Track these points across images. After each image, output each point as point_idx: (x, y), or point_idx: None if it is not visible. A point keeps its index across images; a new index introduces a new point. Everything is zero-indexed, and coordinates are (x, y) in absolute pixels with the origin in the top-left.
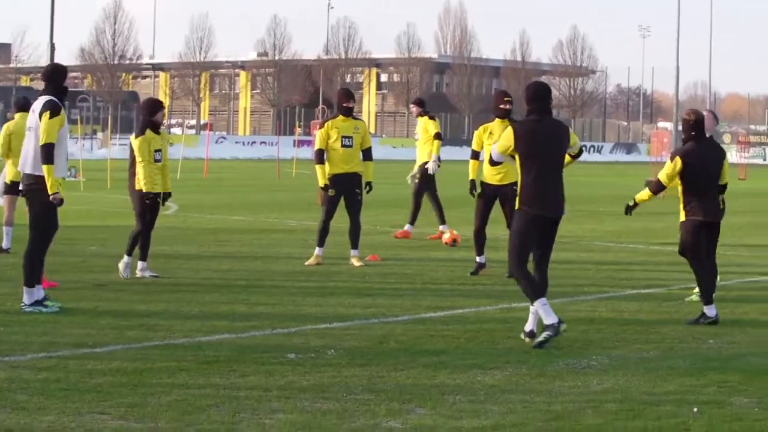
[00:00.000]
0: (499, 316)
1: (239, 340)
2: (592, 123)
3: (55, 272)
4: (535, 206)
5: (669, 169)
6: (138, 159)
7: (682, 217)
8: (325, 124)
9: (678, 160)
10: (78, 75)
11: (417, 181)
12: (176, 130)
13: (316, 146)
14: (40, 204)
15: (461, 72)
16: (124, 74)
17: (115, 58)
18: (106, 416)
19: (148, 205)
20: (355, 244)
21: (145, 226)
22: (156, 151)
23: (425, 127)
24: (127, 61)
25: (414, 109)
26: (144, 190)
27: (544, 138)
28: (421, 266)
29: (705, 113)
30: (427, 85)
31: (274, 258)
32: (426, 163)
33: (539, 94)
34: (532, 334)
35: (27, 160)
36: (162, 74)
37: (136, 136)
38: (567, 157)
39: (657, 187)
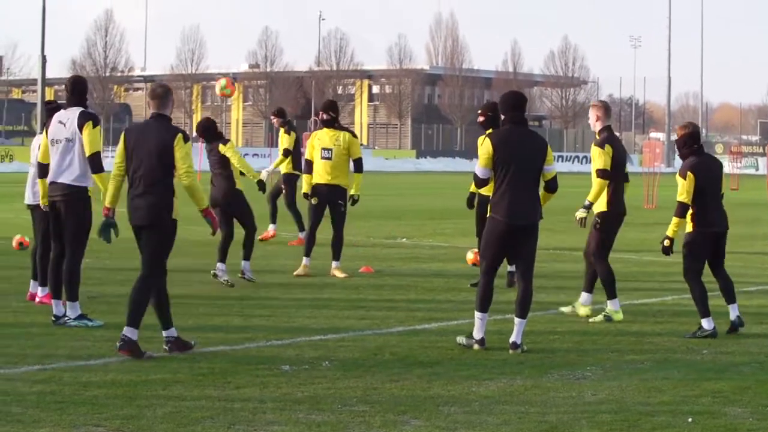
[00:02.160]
0: (493, 327)
1: (234, 352)
2: (585, 133)
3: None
4: (502, 214)
5: (687, 186)
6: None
7: (690, 227)
8: (311, 135)
9: (690, 175)
10: None
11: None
12: None
13: (305, 156)
14: (79, 214)
15: (453, 83)
16: (115, 86)
17: (106, 70)
18: (101, 428)
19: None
20: (336, 256)
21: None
22: None
23: (281, 139)
24: (119, 74)
25: (274, 120)
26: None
27: (517, 147)
28: (415, 278)
29: (597, 104)
30: (419, 96)
31: (268, 270)
32: (287, 174)
33: (513, 104)
34: (515, 346)
35: (61, 170)
36: None
37: (225, 143)
38: (542, 188)
39: (682, 210)
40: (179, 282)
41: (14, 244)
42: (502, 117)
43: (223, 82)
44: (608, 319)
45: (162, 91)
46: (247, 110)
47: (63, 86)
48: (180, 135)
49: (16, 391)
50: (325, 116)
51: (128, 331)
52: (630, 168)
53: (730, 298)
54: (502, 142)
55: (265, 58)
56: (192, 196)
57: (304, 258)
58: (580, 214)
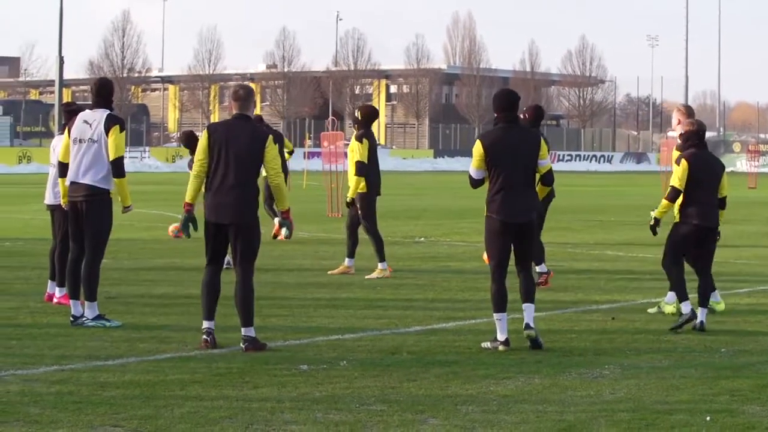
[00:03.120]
0: (511, 326)
1: (251, 352)
2: (602, 133)
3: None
4: (498, 212)
5: (680, 172)
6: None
7: (677, 218)
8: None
9: (684, 163)
10: (87, 88)
11: None
12: None
13: (357, 158)
14: (100, 216)
15: (470, 83)
16: (133, 87)
17: (123, 71)
18: (118, 429)
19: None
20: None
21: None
22: None
23: None
24: (136, 74)
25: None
26: None
27: (510, 146)
28: (432, 277)
29: (681, 108)
30: (437, 96)
31: (286, 269)
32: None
33: (505, 104)
34: (528, 327)
35: (86, 172)
36: (171, 87)
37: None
38: (538, 181)
39: (674, 194)
40: (198, 282)
41: (170, 232)
42: (495, 116)
43: None
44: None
45: (244, 92)
46: (264, 110)
47: (79, 87)
48: (271, 136)
49: (34, 392)
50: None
51: (247, 331)
52: (648, 167)
53: (704, 301)
54: (495, 143)
55: (282, 59)
56: (277, 195)
57: (380, 263)
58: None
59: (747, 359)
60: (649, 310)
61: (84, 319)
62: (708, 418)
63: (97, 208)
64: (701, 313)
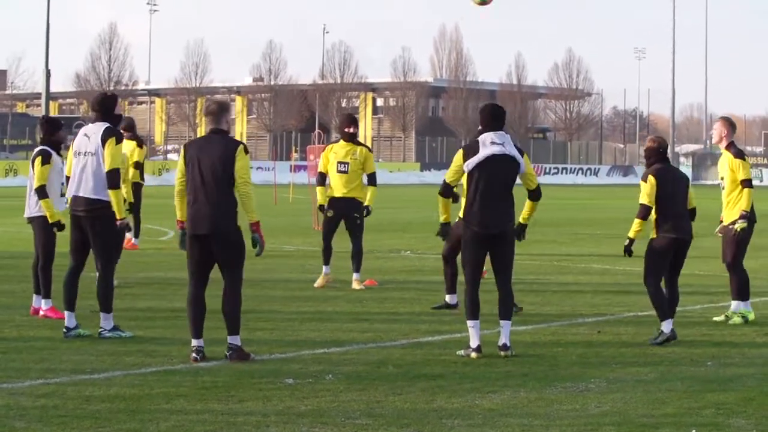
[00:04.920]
0: (497, 339)
1: (237, 365)
2: (589, 146)
3: (53, 299)
4: (474, 223)
5: (647, 189)
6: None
7: (653, 234)
8: (326, 147)
9: (651, 179)
10: (74, 101)
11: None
12: (173, 156)
13: (318, 168)
14: (106, 228)
15: (457, 96)
16: (120, 100)
17: (110, 83)
18: None
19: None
20: (356, 268)
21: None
22: None
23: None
24: (123, 87)
25: (125, 134)
26: None
27: (488, 159)
28: (418, 290)
29: (724, 119)
30: (423, 109)
31: (272, 283)
32: (135, 183)
33: (489, 117)
34: (504, 347)
35: (86, 185)
36: (158, 100)
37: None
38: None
39: (644, 212)
40: (182, 296)
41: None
42: (479, 128)
43: None
44: (745, 319)
45: (215, 107)
46: (251, 123)
47: (66, 100)
48: (241, 146)
49: (20, 405)
50: (351, 129)
51: (233, 339)
52: (634, 180)
53: (672, 311)
54: (475, 153)
55: (269, 72)
56: (245, 206)
57: (324, 267)
58: (742, 224)
59: (733, 372)
60: (715, 318)
61: (101, 330)
62: None
63: (101, 221)
64: (668, 325)
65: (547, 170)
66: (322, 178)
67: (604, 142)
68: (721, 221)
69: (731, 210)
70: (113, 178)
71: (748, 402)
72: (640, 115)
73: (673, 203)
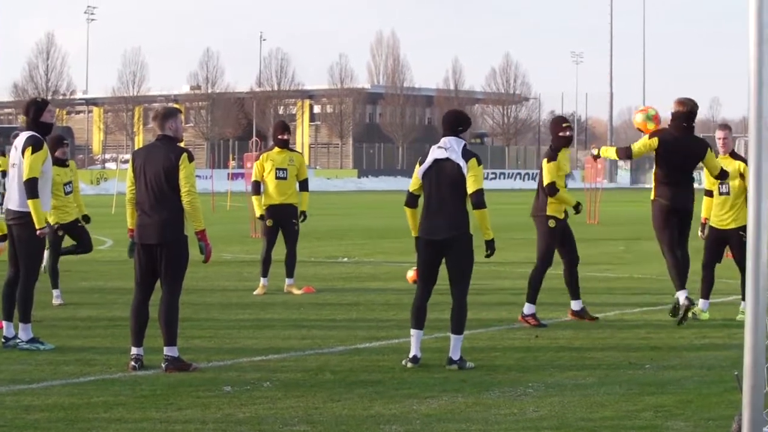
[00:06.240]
0: (434, 345)
1: (175, 373)
2: (527, 150)
3: None
4: (420, 229)
5: (642, 141)
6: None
7: (652, 196)
8: (261, 156)
9: (655, 140)
10: (11, 111)
11: None
12: (111, 165)
13: (252, 178)
14: (29, 238)
15: (394, 102)
16: (57, 110)
17: (48, 93)
18: None
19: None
20: (290, 273)
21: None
22: (66, 184)
23: None
24: (61, 97)
25: None
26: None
27: (435, 166)
28: (356, 296)
29: (727, 129)
30: (360, 115)
31: (209, 291)
32: None
33: (443, 123)
34: (450, 361)
35: (13, 196)
36: (96, 109)
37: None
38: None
39: (625, 153)
40: (121, 304)
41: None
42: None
43: (651, 111)
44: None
45: (158, 112)
46: (189, 132)
47: (4, 110)
48: (185, 155)
49: None
50: (285, 136)
51: (169, 350)
52: (572, 184)
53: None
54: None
55: (206, 80)
56: (190, 215)
57: (262, 279)
58: None
59: (671, 375)
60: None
61: (18, 341)
62: None
63: (26, 231)
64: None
65: (485, 175)
66: (258, 187)
67: (542, 146)
68: (704, 223)
69: (737, 213)
70: (29, 188)
71: (686, 404)
72: (578, 119)
73: (673, 171)
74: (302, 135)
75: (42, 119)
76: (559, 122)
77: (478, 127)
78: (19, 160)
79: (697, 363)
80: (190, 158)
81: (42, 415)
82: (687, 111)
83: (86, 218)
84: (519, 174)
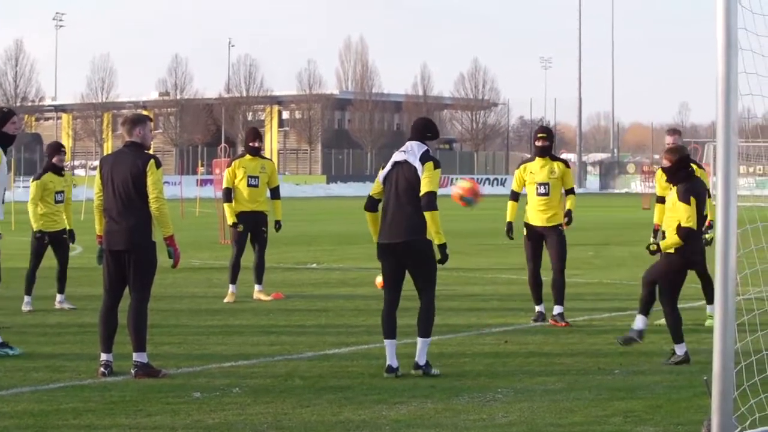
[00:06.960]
0: (404, 351)
1: (145, 380)
2: (495, 156)
3: None
4: (380, 234)
5: (692, 211)
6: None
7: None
8: (232, 163)
9: (693, 200)
10: None
11: None
12: (80, 172)
13: (224, 185)
14: None
15: (363, 108)
16: (26, 116)
17: (17, 100)
18: None
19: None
20: (259, 279)
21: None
22: (58, 192)
23: None
24: (30, 103)
25: None
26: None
27: (392, 169)
28: (325, 302)
29: (671, 135)
30: (329, 121)
31: (178, 297)
32: None
33: (411, 129)
34: (416, 366)
35: None
36: (64, 116)
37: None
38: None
39: (687, 234)
40: (91, 311)
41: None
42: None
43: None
44: None
45: (126, 119)
46: (157, 138)
47: None
48: (152, 161)
49: None
50: (257, 144)
51: (138, 356)
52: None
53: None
54: (386, 166)
55: (175, 86)
56: (158, 221)
57: (230, 286)
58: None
59: (641, 380)
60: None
61: None
62: None
63: None
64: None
65: (453, 181)
66: (230, 194)
67: (511, 152)
68: (656, 229)
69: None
70: None
71: (655, 409)
72: (546, 124)
73: (701, 219)
74: (271, 141)
75: (4, 129)
76: (535, 132)
77: (447, 133)
78: None
79: (666, 368)
80: (158, 164)
81: (11, 422)
82: (684, 157)
83: (71, 235)
84: (488, 179)
